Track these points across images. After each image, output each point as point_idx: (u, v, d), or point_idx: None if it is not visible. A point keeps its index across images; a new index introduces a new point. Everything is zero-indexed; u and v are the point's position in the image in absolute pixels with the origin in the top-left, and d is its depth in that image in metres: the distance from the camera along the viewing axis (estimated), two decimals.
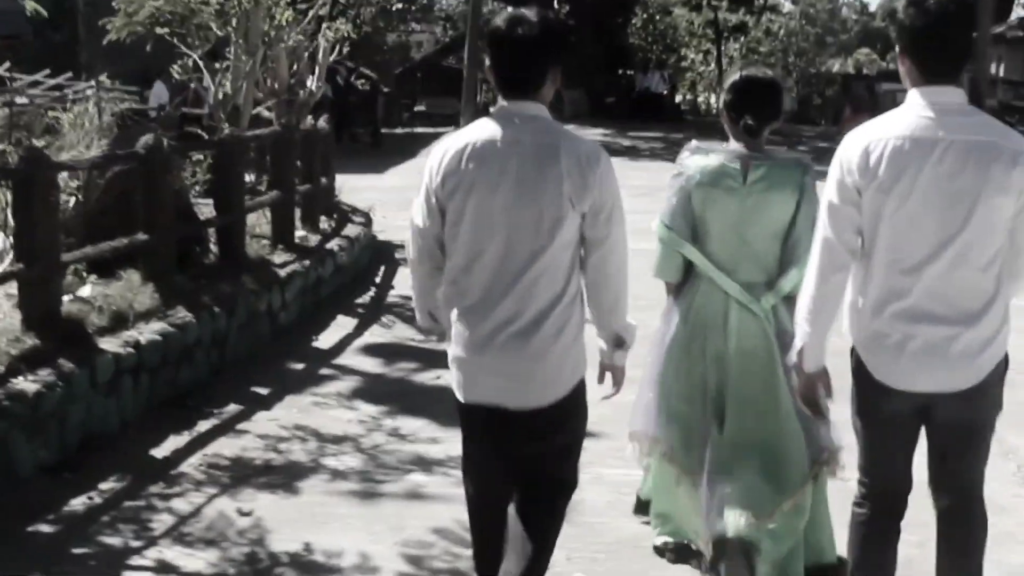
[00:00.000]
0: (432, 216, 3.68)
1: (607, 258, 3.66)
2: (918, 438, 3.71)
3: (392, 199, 15.79)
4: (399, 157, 20.83)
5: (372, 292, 10.51)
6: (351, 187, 16.73)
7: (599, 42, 31.92)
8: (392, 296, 10.29)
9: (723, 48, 43.74)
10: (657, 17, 41.98)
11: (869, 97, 23.49)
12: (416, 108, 34.14)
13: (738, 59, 42.16)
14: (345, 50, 13.46)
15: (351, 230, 11.56)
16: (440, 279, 3.76)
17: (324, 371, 7.81)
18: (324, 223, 11.44)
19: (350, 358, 8.18)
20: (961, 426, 3.63)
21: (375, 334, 8.87)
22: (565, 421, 3.77)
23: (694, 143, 4.52)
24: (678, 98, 41.60)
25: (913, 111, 3.48)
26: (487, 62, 3.66)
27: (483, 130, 3.63)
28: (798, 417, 4.27)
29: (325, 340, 8.69)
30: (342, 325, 9.15)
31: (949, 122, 3.44)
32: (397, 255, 12.05)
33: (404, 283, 10.46)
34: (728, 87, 4.45)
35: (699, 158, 4.41)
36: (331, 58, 13.23)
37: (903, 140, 3.44)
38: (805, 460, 4.34)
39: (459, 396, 3.75)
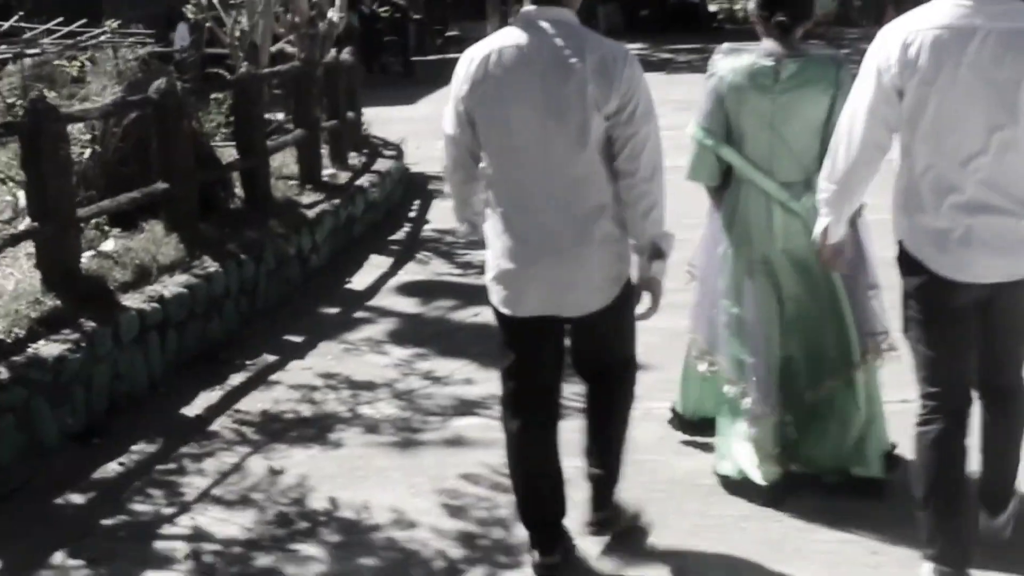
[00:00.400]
0: (462, 125, 3.71)
1: (637, 157, 3.60)
2: (976, 338, 3.70)
3: (425, 129, 15.43)
4: (432, 85, 20.39)
5: (407, 228, 10.30)
6: (384, 119, 16.51)
7: None
8: (427, 231, 10.06)
9: None
10: None
11: None
12: (449, 33, 33.66)
13: None
14: None
15: (382, 164, 11.34)
16: (477, 187, 3.80)
17: (359, 314, 7.64)
18: (354, 159, 11.22)
19: (385, 299, 7.99)
20: (1017, 316, 3.68)
21: (410, 272, 8.67)
22: (618, 317, 3.80)
23: (726, 45, 4.53)
24: (713, 7, 40.90)
25: (948, 1, 3.47)
26: None
27: (508, 37, 3.63)
28: (850, 310, 4.39)
29: (359, 281, 8.50)
30: (376, 265, 8.95)
31: (987, 10, 3.42)
32: (431, 187, 11.84)
33: (440, 216, 10.29)
34: None
35: (731, 59, 4.41)
36: None
37: (942, 30, 3.43)
38: (854, 346, 4.41)
39: (505, 311, 3.74)
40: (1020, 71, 3.39)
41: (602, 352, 3.92)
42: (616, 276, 3.74)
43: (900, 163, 3.61)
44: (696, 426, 4.95)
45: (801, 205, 4.33)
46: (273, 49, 12.26)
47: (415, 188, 11.94)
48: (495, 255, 3.72)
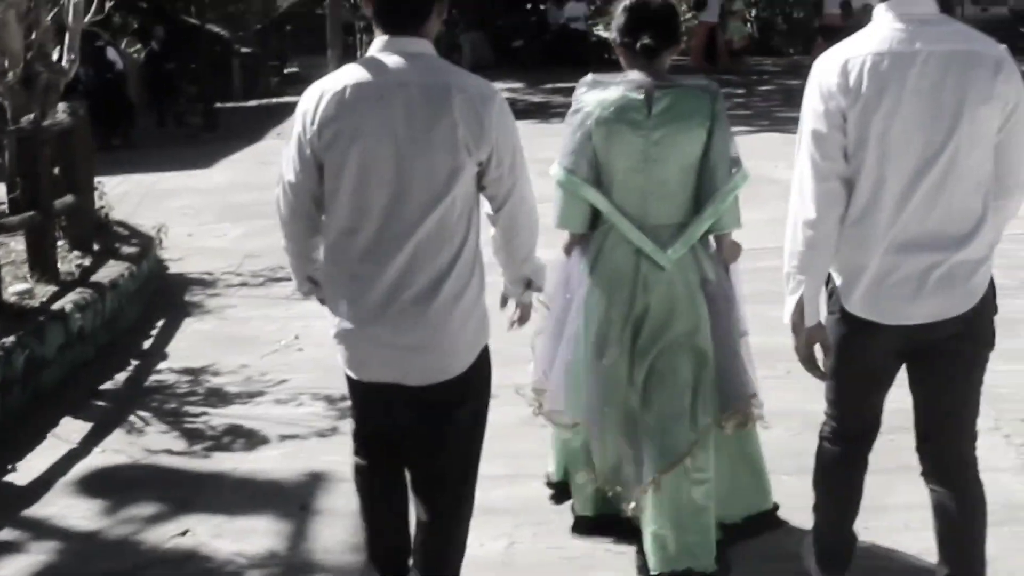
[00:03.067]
0: (306, 170, 3.64)
1: (518, 209, 3.73)
2: (893, 380, 3.90)
3: (214, 204, 13.35)
4: (242, 140, 18.19)
5: (129, 370, 7.82)
6: (161, 190, 14.29)
7: None
8: (160, 373, 7.65)
9: None
10: None
11: (844, 17, 21.12)
12: (287, 70, 31.61)
13: None
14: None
15: (111, 270, 8.93)
16: (318, 239, 3.77)
17: (6, 534, 5.36)
18: (71, 261, 8.92)
19: (55, 503, 5.64)
20: (953, 363, 3.76)
21: (112, 449, 6.29)
22: (467, 397, 3.78)
23: (590, 76, 4.53)
24: (605, 34, 38.97)
25: (887, 25, 3.62)
26: None
27: (364, 70, 3.58)
28: (713, 368, 4.44)
29: (26, 470, 6.13)
30: (62, 437, 6.52)
31: (925, 33, 3.57)
32: (192, 297, 9.56)
33: (189, 348, 8.13)
34: (620, 10, 4.45)
35: (597, 92, 4.44)
36: (87, 19, 10.61)
37: (881, 56, 3.57)
38: (708, 408, 4.43)
39: (349, 373, 3.77)
40: (960, 95, 3.53)
41: (444, 444, 3.80)
42: (468, 342, 3.70)
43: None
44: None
45: (667, 257, 4.37)
46: None
47: (164, 301, 9.51)
48: (335, 312, 3.69)
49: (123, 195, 14.01)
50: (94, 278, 8.57)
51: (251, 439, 6.47)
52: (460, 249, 3.61)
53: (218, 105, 21.74)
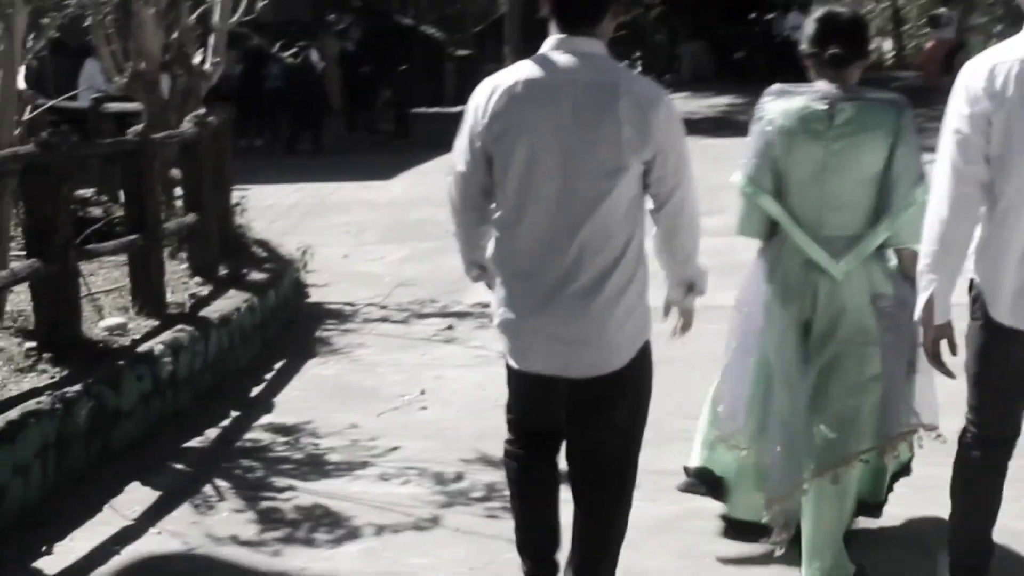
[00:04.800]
0: (476, 162, 3.76)
1: (680, 210, 3.76)
2: None
3: (381, 220, 12.54)
4: (436, 149, 17.19)
5: (225, 423, 6.90)
6: (333, 202, 13.53)
7: None
8: (259, 430, 6.72)
9: None
10: None
11: None
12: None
13: None
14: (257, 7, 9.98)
15: (229, 301, 8.03)
16: (487, 228, 3.87)
17: None
18: (189, 290, 8.04)
19: None
20: None
21: (170, 531, 5.37)
22: (627, 392, 3.84)
23: (777, 86, 4.58)
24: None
25: None
26: None
27: (535, 67, 3.68)
28: (881, 389, 4.42)
29: (64, 551, 5.16)
30: (121, 509, 5.59)
31: None
32: (324, 332, 8.64)
33: (299, 399, 7.20)
34: (809, 22, 4.55)
35: (781, 101, 4.48)
36: (236, 18, 9.80)
37: None
38: (865, 436, 4.42)
39: (511, 362, 3.86)
40: None
41: (602, 438, 3.87)
42: (629, 338, 3.77)
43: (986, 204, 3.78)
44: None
45: (838, 268, 4.40)
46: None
47: (292, 336, 8.61)
48: (499, 303, 3.80)
49: (291, 207, 13.35)
50: (205, 311, 7.63)
51: (335, 527, 5.42)
52: (625, 246, 3.69)
53: (423, 110, 20.95)
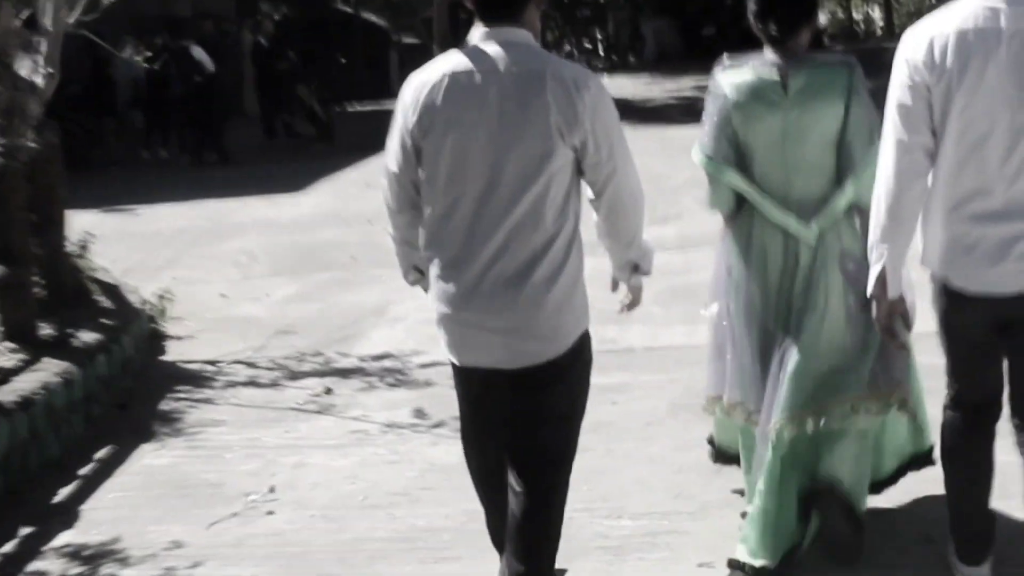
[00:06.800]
0: (407, 159, 3.88)
1: (618, 194, 3.85)
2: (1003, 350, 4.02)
3: (279, 245, 11.25)
4: (362, 152, 15.86)
5: (16, 542, 5.51)
6: (230, 224, 12.17)
7: None
8: (51, 554, 5.23)
9: None
10: None
11: None
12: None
13: None
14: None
15: (38, 375, 6.54)
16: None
17: None
18: None
19: None
20: None
21: None
22: (564, 381, 3.92)
23: (726, 59, 4.70)
24: (819, 19, 35.80)
25: (975, 1, 3.79)
26: None
27: (460, 59, 3.79)
28: (858, 351, 4.52)
29: None
30: None
31: (1012, 11, 3.74)
32: (173, 401, 7.21)
33: (124, 496, 5.86)
34: None
35: (732, 74, 4.60)
36: (71, 18, 8.35)
37: (967, 32, 3.76)
38: (862, 381, 4.51)
39: (452, 358, 3.97)
40: None
41: (543, 431, 3.94)
42: (565, 327, 3.83)
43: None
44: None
45: (811, 232, 4.51)
46: None
47: (127, 412, 7.19)
48: (434, 298, 3.90)
49: (180, 231, 11.96)
50: (2, 391, 6.19)
51: None
52: (555, 233, 3.75)
53: (357, 108, 19.49)
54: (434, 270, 3.88)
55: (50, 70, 8.16)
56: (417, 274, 4.14)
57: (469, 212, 3.76)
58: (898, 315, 4.04)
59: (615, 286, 4.18)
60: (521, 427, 3.95)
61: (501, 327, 3.77)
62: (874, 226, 3.97)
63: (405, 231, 4.07)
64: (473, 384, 4.00)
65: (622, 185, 3.83)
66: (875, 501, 4.87)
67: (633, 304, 4.21)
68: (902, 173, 3.85)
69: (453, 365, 4.01)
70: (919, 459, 4.91)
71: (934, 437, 4.68)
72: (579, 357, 3.93)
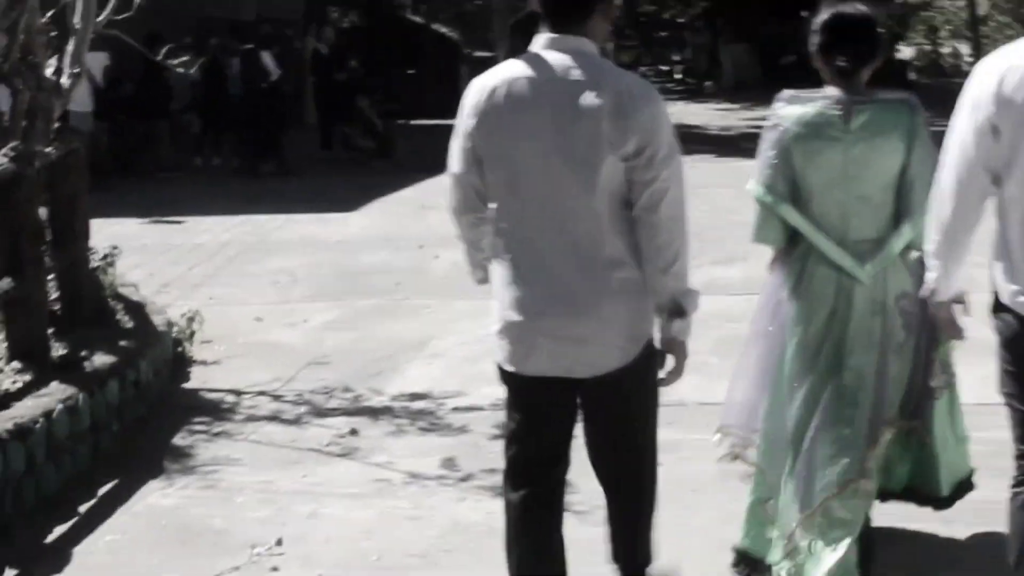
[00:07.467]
0: (468, 163, 3.94)
1: (656, 205, 3.78)
2: None
3: (321, 267, 10.93)
4: (421, 171, 15.44)
5: None
6: (274, 241, 11.80)
7: None
8: None
9: None
10: None
11: None
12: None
13: None
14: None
15: (41, 400, 6.13)
16: (488, 230, 3.98)
17: None
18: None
19: None
20: None
21: None
22: (636, 386, 3.97)
23: (788, 92, 4.67)
24: (905, 51, 35.07)
25: None
26: None
27: (519, 67, 3.85)
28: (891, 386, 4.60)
29: None
30: None
31: None
32: (190, 435, 6.80)
33: (121, 541, 5.45)
34: (815, 26, 4.59)
35: (795, 107, 4.57)
36: (102, 17, 8.02)
37: None
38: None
39: (510, 368, 3.95)
40: None
41: (619, 436, 4.03)
42: (635, 334, 3.89)
43: (998, 216, 3.83)
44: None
45: (865, 272, 4.51)
46: None
47: (144, 440, 6.78)
48: (501, 306, 3.90)
49: (223, 246, 11.62)
50: (3, 416, 5.81)
51: None
52: (619, 245, 3.80)
53: (421, 123, 19.09)
54: (501, 275, 3.91)
55: (76, 70, 7.85)
56: (483, 272, 4.15)
57: (533, 220, 3.82)
58: (951, 316, 4.11)
59: (662, 360, 3.99)
60: (597, 437, 4.03)
61: (574, 336, 3.81)
62: (930, 241, 4.02)
63: (468, 231, 4.11)
64: (536, 397, 3.99)
65: (660, 196, 3.79)
66: None
67: (677, 370, 3.97)
68: (959, 204, 3.85)
69: (509, 376, 3.99)
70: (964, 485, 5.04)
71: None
72: (648, 362, 3.95)
